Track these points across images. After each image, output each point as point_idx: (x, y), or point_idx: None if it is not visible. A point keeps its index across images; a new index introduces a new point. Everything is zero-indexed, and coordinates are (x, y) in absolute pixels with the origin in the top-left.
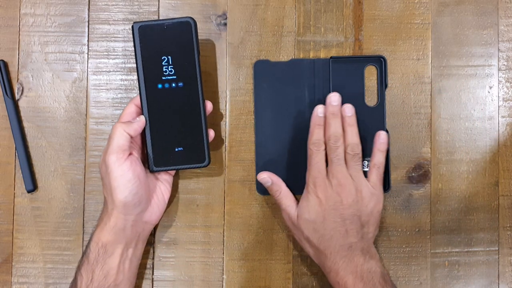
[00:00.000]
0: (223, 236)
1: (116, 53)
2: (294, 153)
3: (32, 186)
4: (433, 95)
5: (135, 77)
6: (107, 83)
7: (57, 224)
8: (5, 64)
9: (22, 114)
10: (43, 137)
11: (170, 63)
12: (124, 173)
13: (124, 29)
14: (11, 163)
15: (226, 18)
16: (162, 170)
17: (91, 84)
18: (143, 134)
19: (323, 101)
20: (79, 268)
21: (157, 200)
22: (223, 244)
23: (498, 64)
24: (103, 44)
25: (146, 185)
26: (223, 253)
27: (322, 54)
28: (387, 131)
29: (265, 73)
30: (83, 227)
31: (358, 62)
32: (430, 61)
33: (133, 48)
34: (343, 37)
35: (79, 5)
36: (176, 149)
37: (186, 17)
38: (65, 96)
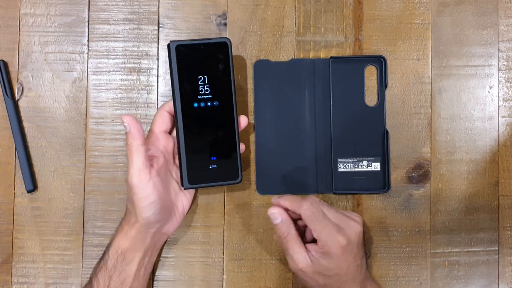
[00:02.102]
0: (223, 236)
1: (116, 53)
2: (294, 152)
3: (32, 186)
4: (433, 95)
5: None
6: (107, 83)
7: (57, 224)
8: (5, 64)
9: (22, 114)
10: (43, 137)
11: (206, 82)
12: (148, 195)
13: (124, 29)
14: (11, 163)
15: (226, 18)
16: (195, 188)
17: (91, 84)
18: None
19: (323, 101)
20: (95, 272)
21: (177, 213)
22: (223, 244)
23: (498, 64)
24: (103, 44)
25: (169, 201)
26: (223, 253)
27: (322, 54)
28: (387, 131)
29: (265, 73)
30: (83, 227)
31: (358, 62)
32: (430, 61)
33: (168, 65)
34: (343, 37)
35: (79, 5)
36: (210, 167)
37: (223, 37)
38: (65, 96)
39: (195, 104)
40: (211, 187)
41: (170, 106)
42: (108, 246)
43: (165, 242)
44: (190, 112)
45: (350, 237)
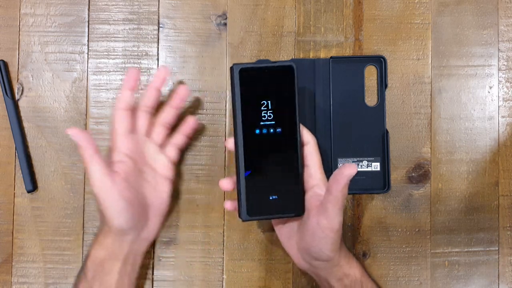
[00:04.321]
0: (223, 236)
1: (116, 53)
2: None
3: (32, 186)
4: (433, 95)
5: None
6: (107, 83)
7: (57, 224)
8: (5, 64)
9: (22, 114)
10: (43, 137)
11: (270, 108)
12: (114, 202)
13: (124, 29)
14: (11, 163)
15: (226, 18)
16: (254, 220)
17: (91, 84)
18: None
19: (323, 101)
20: (76, 284)
21: (155, 217)
22: (223, 244)
23: (498, 64)
24: (103, 44)
25: (142, 206)
26: (223, 253)
27: (322, 54)
28: (387, 131)
29: None
30: (83, 227)
31: (358, 62)
32: (430, 61)
33: (230, 89)
34: (343, 37)
35: (79, 5)
36: (271, 198)
37: (288, 61)
38: (65, 96)
39: (257, 131)
40: (271, 219)
41: (126, 102)
42: (86, 257)
43: (155, 243)
44: (252, 138)
45: None
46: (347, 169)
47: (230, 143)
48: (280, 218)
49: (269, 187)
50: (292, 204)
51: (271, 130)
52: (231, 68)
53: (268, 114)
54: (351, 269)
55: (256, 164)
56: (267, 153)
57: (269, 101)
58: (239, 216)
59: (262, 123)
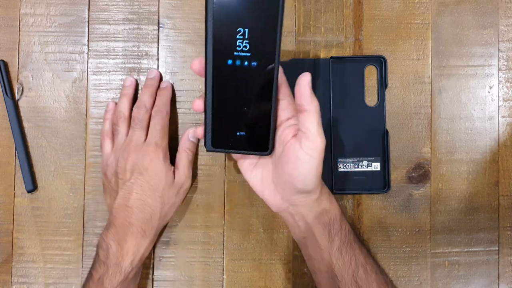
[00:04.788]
0: (223, 236)
1: (116, 53)
2: None
3: (32, 186)
4: (433, 95)
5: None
6: (107, 83)
7: (57, 224)
8: (5, 64)
9: (22, 114)
10: (43, 137)
11: (246, 37)
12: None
13: (124, 29)
14: (11, 163)
15: None
16: (218, 152)
17: (91, 84)
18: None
19: (323, 101)
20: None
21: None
22: (223, 244)
23: (498, 64)
24: (103, 44)
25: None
26: (223, 253)
27: (322, 54)
28: (387, 131)
29: None
30: (83, 227)
31: (358, 62)
32: (430, 61)
33: (204, 11)
34: (343, 37)
35: (79, 5)
36: (238, 133)
37: None
38: (65, 96)
39: (229, 61)
40: (235, 153)
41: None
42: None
43: (156, 242)
44: (223, 69)
45: None
46: (302, 78)
47: (197, 104)
48: (245, 154)
49: (237, 122)
50: (260, 142)
51: (245, 63)
52: None
53: (244, 44)
54: (331, 206)
55: (225, 97)
56: (239, 87)
57: (246, 29)
58: (204, 145)
59: (236, 53)
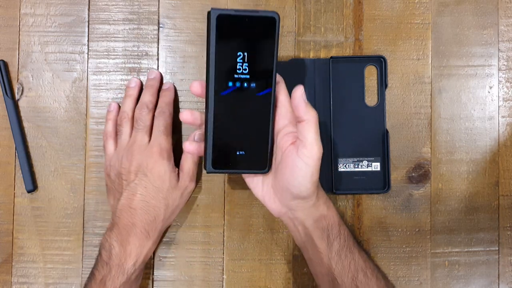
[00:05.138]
0: (223, 236)
1: (116, 53)
2: None
3: (32, 186)
4: (433, 95)
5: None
6: (107, 83)
7: (57, 224)
8: (5, 64)
9: (22, 114)
10: (43, 137)
11: (246, 60)
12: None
13: (124, 29)
14: (11, 163)
15: None
16: (218, 172)
17: (91, 84)
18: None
19: (323, 101)
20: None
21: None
22: (223, 244)
23: (498, 64)
24: (103, 44)
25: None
26: (223, 253)
27: (322, 54)
28: (387, 131)
29: None
30: (83, 227)
31: (358, 62)
32: (430, 61)
33: (206, 35)
34: (343, 37)
35: (79, 5)
36: (238, 153)
37: (271, 12)
38: (65, 96)
39: (230, 83)
40: (235, 174)
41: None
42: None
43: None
44: (224, 91)
45: None
46: (295, 92)
47: (185, 115)
48: (245, 173)
49: (237, 142)
50: (258, 161)
51: (245, 84)
52: (208, 13)
53: (244, 67)
54: (329, 212)
55: (226, 118)
56: (238, 108)
57: (245, 53)
58: (204, 167)
59: (236, 75)
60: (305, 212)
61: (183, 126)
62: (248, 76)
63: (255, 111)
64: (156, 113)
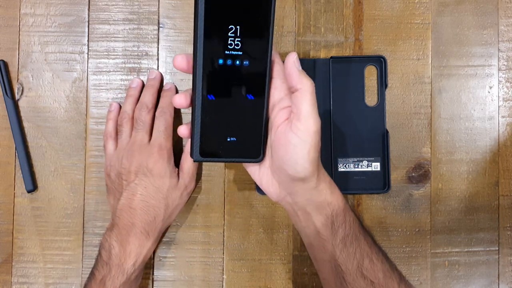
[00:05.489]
0: (223, 236)
1: (116, 53)
2: None
3: (32, 186)
4: (433, 95)
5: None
6: (107, 83)
7: (57, 224)
8: (5, 64)
9: (22, 114)
10: (43, 137)
11: (238, 35)
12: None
13: (124, 29)
14: (11, 163)
15: None
16: (207, 161)
17: (91, 84)
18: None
19: (323, 101)
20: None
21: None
22: (223, 244)
23: (498, 64)
24: (103, 44)
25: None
26: (223, 253)
27: (322, 54)
28: (387, 131)
29: None
30: (83, 227)
31: (358, 62)
32: (430, 61)
33: (194, 8)
34: (343, 37)
35: (79, 5)
36: (228, 139)
37: None
38: (65, 96)
39: (220, 61)
40: (226, 162)
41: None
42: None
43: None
44: (213, 69)
45: None
46: (288, 59)
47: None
48: (236, 162)
49: (227, 127)
50: (252, 148)
51: (237, 62)
52: None
53: (236, 43)
54: (334, 196)
55: (216, 100)
56: (230, 89)
57: (238, 27)
58: (191, 155)
59: (227, 52)
60: (305, 196)
61: None
62: (240, 53)
63: (249, 91)
64: (156, 114)
